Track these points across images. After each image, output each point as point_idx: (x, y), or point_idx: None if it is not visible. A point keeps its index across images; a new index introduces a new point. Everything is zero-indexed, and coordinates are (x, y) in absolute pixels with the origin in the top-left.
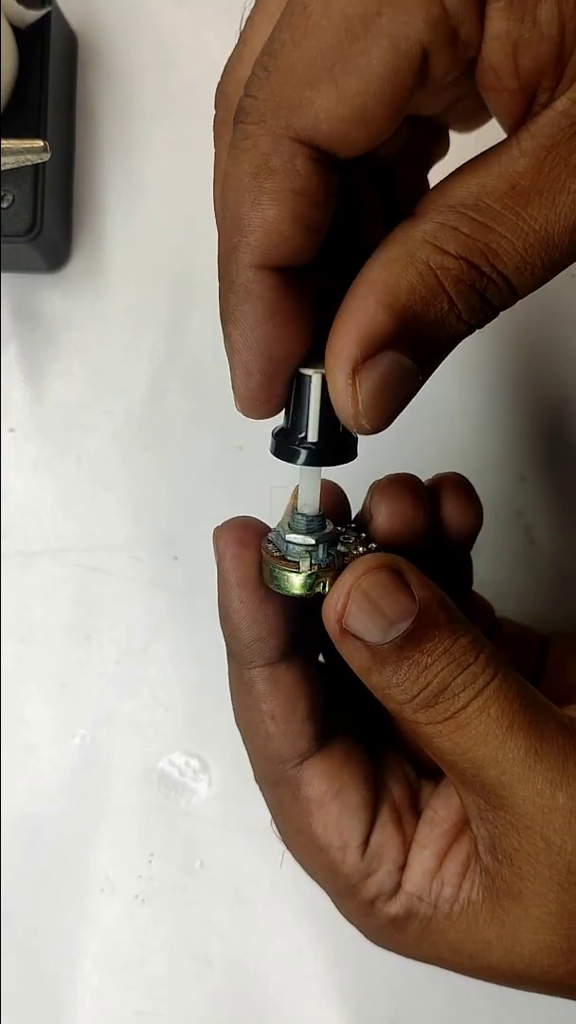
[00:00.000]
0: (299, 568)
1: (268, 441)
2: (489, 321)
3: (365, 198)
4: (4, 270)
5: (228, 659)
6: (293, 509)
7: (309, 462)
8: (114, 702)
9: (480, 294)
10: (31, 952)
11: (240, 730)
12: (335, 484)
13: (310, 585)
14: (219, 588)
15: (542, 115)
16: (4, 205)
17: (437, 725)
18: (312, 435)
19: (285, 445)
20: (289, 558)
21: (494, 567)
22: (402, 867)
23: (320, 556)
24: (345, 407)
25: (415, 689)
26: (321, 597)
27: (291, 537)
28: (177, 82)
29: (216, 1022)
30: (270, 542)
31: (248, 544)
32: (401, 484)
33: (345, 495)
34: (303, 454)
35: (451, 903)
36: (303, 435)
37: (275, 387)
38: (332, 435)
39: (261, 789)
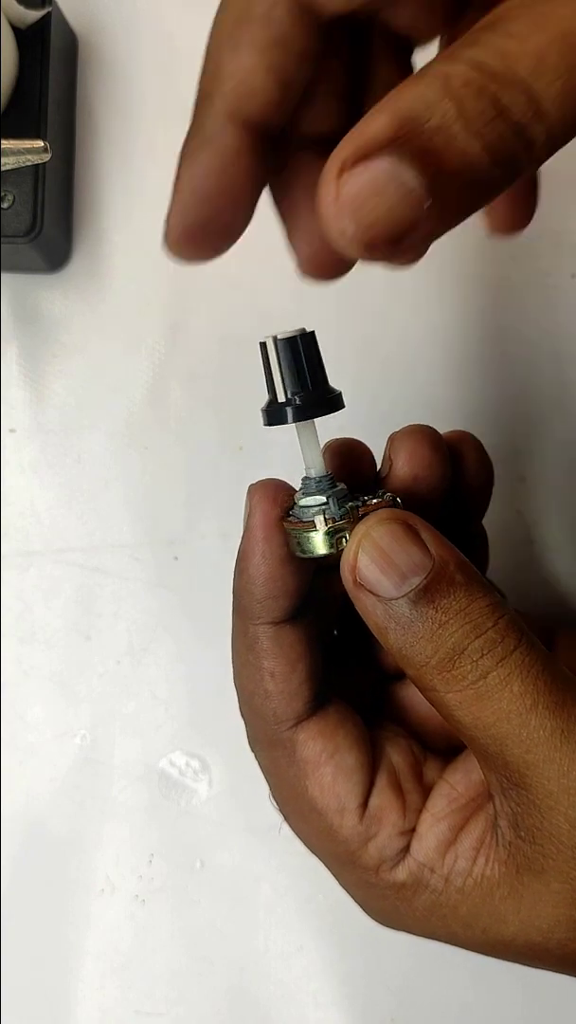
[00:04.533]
0: (315, 526)
1: (268, 442)
2: (514, 155)
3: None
4: (4, 270)
5: (234, 614)
6: (302, 477)
7: (296, 418)
8: (114, 702)
9: (493, 99)
10: (31, 952)
11: (238, 690)
12: (358, 440)
13: (331, 542)
14: (243, 542)
15: None
16: (4, 205)
17: (457, 694)
18: (282, 395)
19: (271, 413)
20: (305, 520)
21: (494, 567)
22: (404, 833)
23: (333, 510)
24: (325, 206)
25: (430, 649)
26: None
27: (303, 501)
28: (177, 82)
29: (217, 1022)
30: (290, 515)
31: (279, 503)
32: (420, 430)
33: (371, 455)
34: (288, 413)
35: (464, 877)
36: (280, 397)
37: (207, 233)
38: (307, 389)
39: (256, 754)
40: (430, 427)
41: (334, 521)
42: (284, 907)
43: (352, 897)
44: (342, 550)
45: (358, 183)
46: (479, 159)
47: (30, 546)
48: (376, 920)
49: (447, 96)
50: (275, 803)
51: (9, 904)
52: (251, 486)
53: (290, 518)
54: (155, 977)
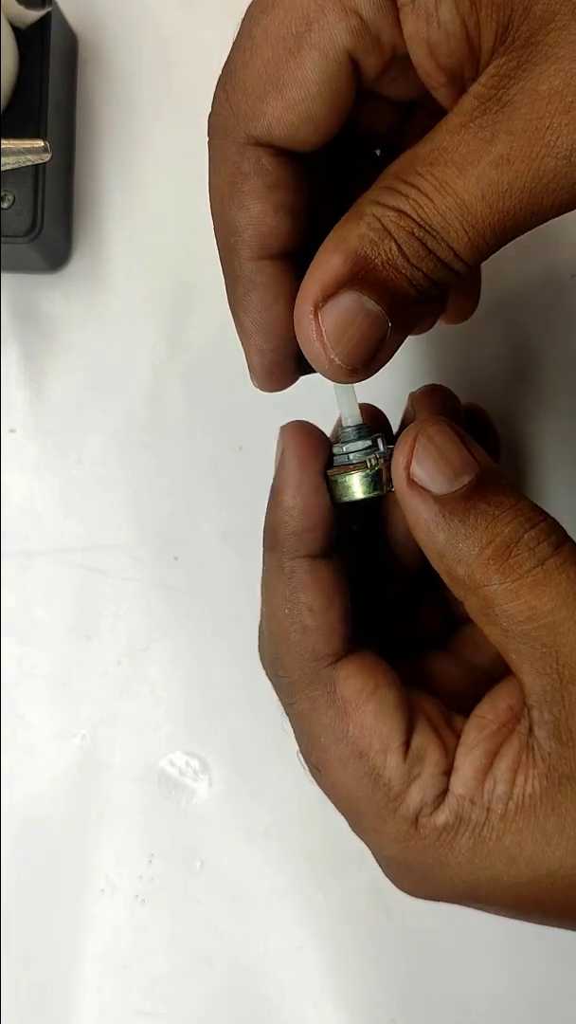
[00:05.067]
0: (367, 466)
1: (268, 441)
2: (446, 279)
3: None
4: (4, 270)
5: (266, 554)
6: (340, 428)
7: None
8: (114, 702)
9: (421, 242)
10: (31, 952)
11: (270, 633)
12: (375, 406)
13: (379, 483)
14: (276, 478)
15: (461, 99)
16: (4, 205)
17: (514, 583)
18: None
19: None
20: (355, 463)
21: None
22: (445, 772)
23: (381, 449)
24: (311, 343)
25: (485, 539)
26: (389, 493)
27: (347, 447)
28: (177, 82)
29: (216, 1022)
30: (330, 466)
31: (314, 437)
32: (439, 388)
33: (386, 417)
34: None
35: (505, 801)
36: None
37: (288, 361)
38: None
39: (289, 702)
40: (447, 388)
41: (385, 461)
42: (284, 907)
43: (385, 861)
44: (389, 491)
45: (333, 317)
46: (420, 283)
47: (30, 546)
48: (410, 889)
49: (388, 237)
50: (307, 757)
51: (9, 904)
52: (282, 426)
53: (331, 469)
54: (155, 977)
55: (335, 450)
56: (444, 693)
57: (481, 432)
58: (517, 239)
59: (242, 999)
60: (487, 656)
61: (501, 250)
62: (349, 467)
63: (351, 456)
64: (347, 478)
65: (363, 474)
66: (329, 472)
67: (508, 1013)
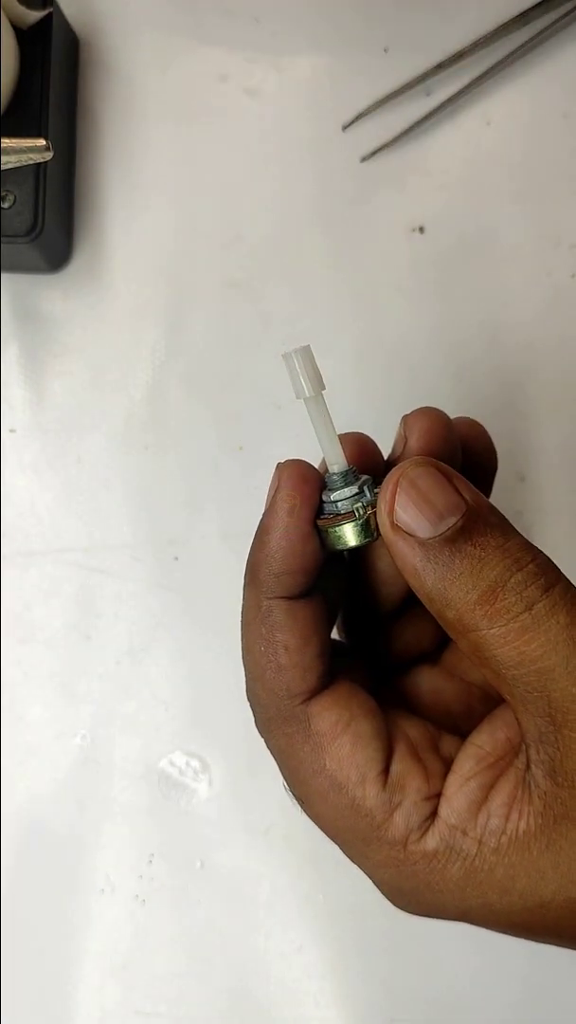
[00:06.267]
0: (355, 515)
1: (268, 441)
2: None
3: None
4: (5, 270)
5: (246, 589)
6: (326, 474)
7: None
8: (114, 702)
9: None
10: (31, 952)
11: (247, 667)
12: (363, 434)
13: (370, 530)
14: (266, 516)
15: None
16: (5, 205)
17: (502, 628)
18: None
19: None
20: (343, 512)
21: None
22: (429, 798)
23: (368, 497)
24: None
25: (470, 584)
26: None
27: (335, 495)
28: (177, 82)
29: (217, 1022)
30: (321, 515)
31: (309, 481)
32: (432, 410)
33: (375, 445)
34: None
35: (499, 835)
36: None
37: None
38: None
39: (267, 737)
40: (440, 409)
41: (373, 507)
42: (284, 907)
43: (379, 884)
44: (380, 535)
45: None
46: None
47: (30, 546)
48: (405, 908)
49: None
50: (290, 789)
51: (9, 904)
52: (280, 463)
53: (324, 516)
54: (155, 977)
55: (323, 497)
56: (436, 711)
57: (475, 451)
58: (515, 240)
59: (242, 999)
60: (480, 672)
61: (501, 251)
62: (338, 517)
63: (339, 505)
64: (338, 529)
65: (353, 524)
66: (320, 522)
67: (508, 1012)
